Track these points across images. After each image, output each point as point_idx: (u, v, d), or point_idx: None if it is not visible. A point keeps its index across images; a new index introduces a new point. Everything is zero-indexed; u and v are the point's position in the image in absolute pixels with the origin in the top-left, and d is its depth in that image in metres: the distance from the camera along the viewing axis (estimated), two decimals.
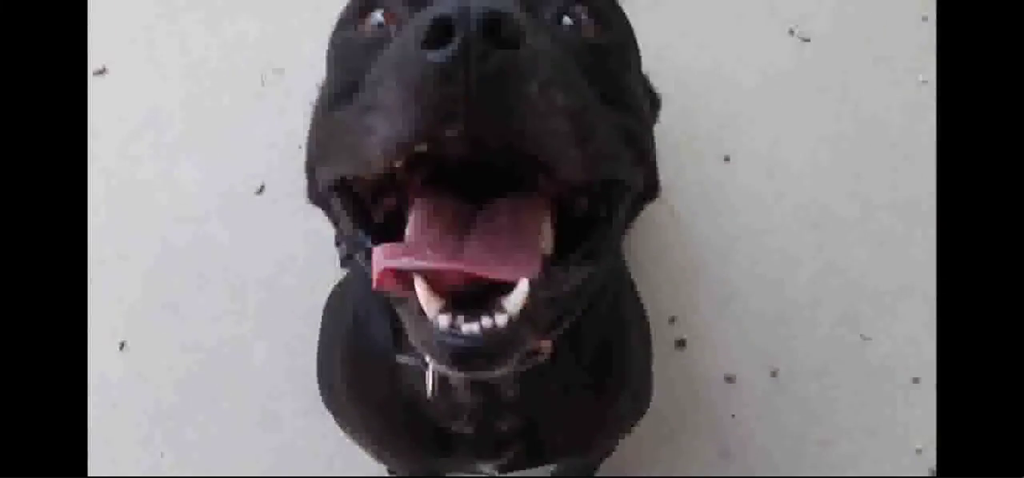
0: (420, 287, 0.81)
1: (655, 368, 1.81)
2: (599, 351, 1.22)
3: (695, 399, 2.01)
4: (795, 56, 2.40)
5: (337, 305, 1.43)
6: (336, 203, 0.94)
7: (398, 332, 1.11)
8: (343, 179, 0.89)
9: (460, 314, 0.80)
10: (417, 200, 0.88)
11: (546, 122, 0.76)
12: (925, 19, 2.45)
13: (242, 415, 2.03)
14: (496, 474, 1.32)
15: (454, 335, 0.79)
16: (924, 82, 2.35)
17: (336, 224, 1.00)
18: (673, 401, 2.00)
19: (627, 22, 1.06)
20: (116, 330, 2.11)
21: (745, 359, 2.05)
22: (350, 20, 0.97)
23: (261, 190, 2.25)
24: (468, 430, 1.20)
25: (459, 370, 0.81)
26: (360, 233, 0.92)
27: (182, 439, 2.02)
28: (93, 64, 2.41)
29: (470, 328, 0.79)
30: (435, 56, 0.72)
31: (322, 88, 1.01)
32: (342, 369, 1.33)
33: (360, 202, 0.92)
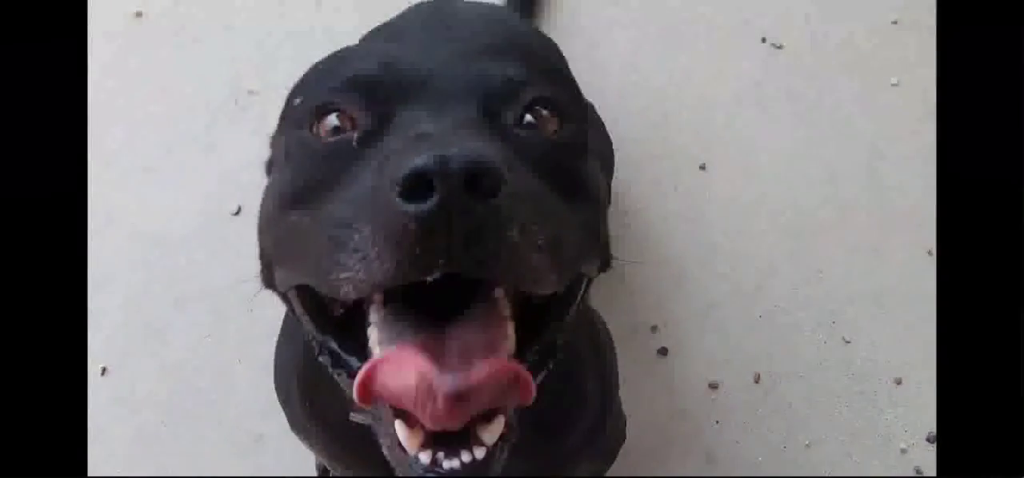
0: (399, 426, 0.81)
1: (638, 377, 1.82)
2: (550, 395, 1.20)
3: (679, 408, 2.01)
4: (768, 63, 2.41)
5: (291, 327, 1.41)
6: (295, 301, 0.96)
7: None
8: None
9: (440, 450, 0.80)
10: (376, 304, 0.88)
11: (525, 259, 0.78)
12: (895, 23, 2.47)
13: (226, 438, 2.02)
14: None
15: (436, 470, 0.80)
16: (895, 84, 2.36)
17: (292, 312, 1.00)
18: (657, 410, 2.00)
19: (582, 102, 1.07)
20: (97, 356, 2.09)
21: (728, 366, 2.05)
22: (304, 119, 0.96)
23: (238, 211, 2.24)
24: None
25: None
26: (329, 339, 0.93)
27: (166, 463, 2.00)
28: None
29: (451, 465, 0.80)
30: (414, 209, 0.72)
31: (273, 179, 1.01)
32: (299, 391, 1.33)
33: (319, 299, 0.93)
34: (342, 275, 0.79)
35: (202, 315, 2.14)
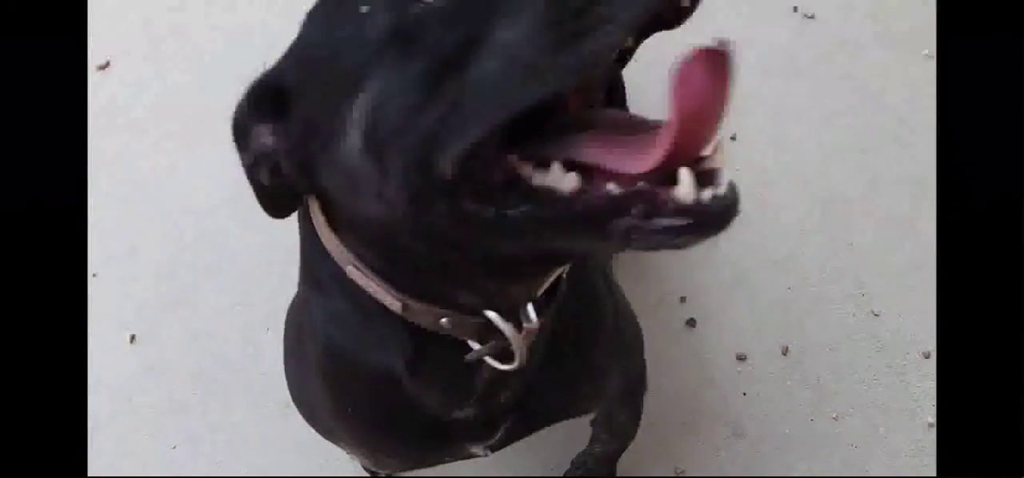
0: (685, 173, 0.82)
1: (666, 348, 1.81)
2: (575, 319, 1.25)
3: (707, 378, 2.01)
4: (799, 33, 2.40)
5: (302, 323, 1.34)
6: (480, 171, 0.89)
7: (416, 362, 1.12)
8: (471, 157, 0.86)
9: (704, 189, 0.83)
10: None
11: None
12: None
13: (255, 406, 2.03)
14: (485, 454, 1.33)
15: (725, 198, 0.83)
16: (928, 56, 2.34)
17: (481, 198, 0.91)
18: (685, 381, 2.00)
19: None
20: (126, 324, 2.11)
21: (756, 337, 2.05)
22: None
23: None
24: (469, 412, 1.21)
25: (720, 230, 0.83)
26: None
27: (194, 432, 2.02)
28: (96, 59, 2.41)
29: (724, 188, 0.84)
30: None
31: (361, 109, 0.91)
32: (328, 397, 1.29)
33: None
34: (603, 33, 0.78)
35: (230, 283, 2.16)
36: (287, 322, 1.47)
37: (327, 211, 1.04)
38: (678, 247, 0.85)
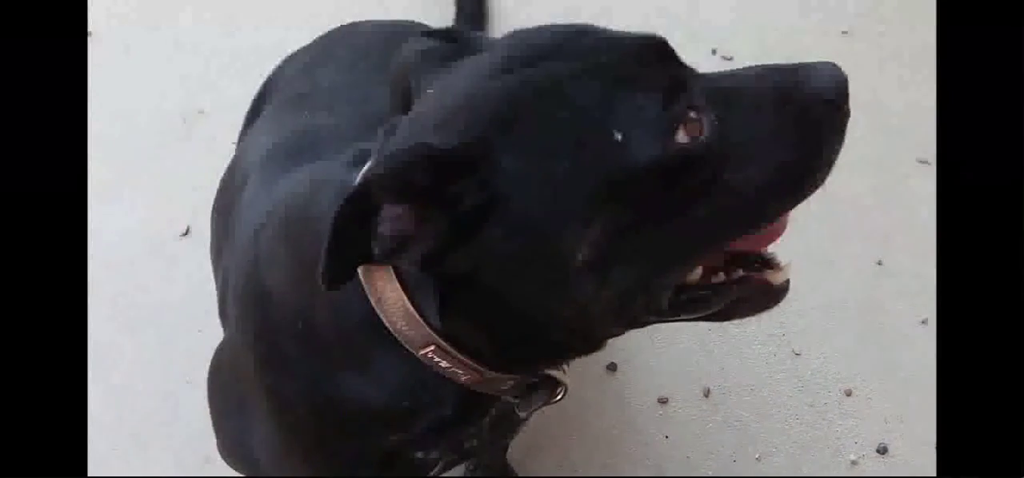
0: (768, 273, 1.15)
1: (587, 393, 1.81)
2: None
3: (628, 423, 2.00)
4: None
5: (242, 379, 1.34)
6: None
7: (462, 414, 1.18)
8: None
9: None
10: None
11: None
12: (846, 33, 2.48)
13: (175, 459, 2.00)
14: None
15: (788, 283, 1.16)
16: None
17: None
18: (606, 426, 1.99)
19: None
20: None
21: (677, 380, 2.05)
22: (655, 135, 0.98)
23: (187, 232, 2.23)
24: (449, 458, 1.30)
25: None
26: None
27: None
28: None
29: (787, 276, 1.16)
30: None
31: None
32: (301, 442, 1.28)
33: None
34: (810, 190, 1.07)
35: (149, 338, 2.13)
36: (219, 382, 1.46)
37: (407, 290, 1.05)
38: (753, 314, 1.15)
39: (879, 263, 2.19)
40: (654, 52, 1.02)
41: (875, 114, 2.39)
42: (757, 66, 1.07)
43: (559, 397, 1.22)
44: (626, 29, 1.05)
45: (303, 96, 1.62)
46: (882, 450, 1.96)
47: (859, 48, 2.50)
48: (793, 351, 2.09)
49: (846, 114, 1.05)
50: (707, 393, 2.03)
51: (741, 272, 1.11)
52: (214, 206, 1.63)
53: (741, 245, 1.09)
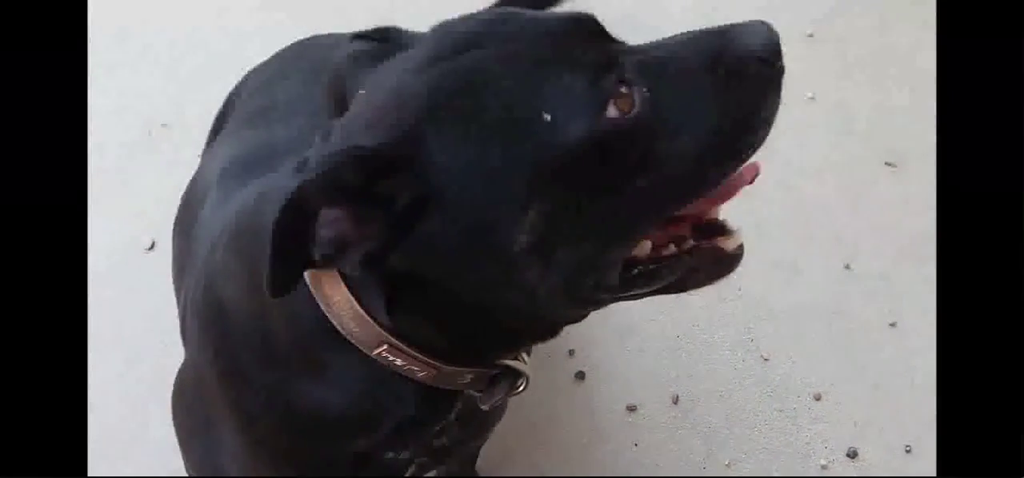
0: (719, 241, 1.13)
1: (555, 402, 1.80)
2: None
3: (597, 431, 1.99)
4: None
5: (206, 400, 1.34)
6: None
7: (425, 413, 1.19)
8: None
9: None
10: None
11: None
12: (811, 36, 2.48)
13: None
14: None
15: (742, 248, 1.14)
16: (812, 98, 2.37)
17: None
18: (575, 435, 1.98)
19: None
20: None
21: (646, 387, 2.04)
22: (589, 108, 0.97)
23: (152, 247, 2.21)
24: (422, 459, 1.29)
25: None
26: None
27: None
28: None
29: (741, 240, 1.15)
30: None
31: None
32: (269, 454, 1.27)
33: None
34: (748, 151, 1.03)
35: (114, 353, 2.11)
36: (184, 404, 1.45)
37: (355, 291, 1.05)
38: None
39: (847, 267, 2.19)
40: (584, 29, 1.03)
41: (841, 117, 2.39)
42: (686, 32, 1.05)
43: (521, 388, 1.21)
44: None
45: (262, 111, 1.62)
46: (852, 454, 1.96)
47: (824, 51, 2.50)
48: (761, 356, 2.09)
49: (780, 70, 1.04)
50: (676, 400, 2.03)
51: (691, 242, 1.10)
52: (176, 223, 1.63)
53: (690, 212, 1.09)
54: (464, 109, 0.96)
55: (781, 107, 2.26)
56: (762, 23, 1.03)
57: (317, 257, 0.95)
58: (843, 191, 2.27)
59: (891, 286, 2.15)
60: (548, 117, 0.94)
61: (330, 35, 1.83)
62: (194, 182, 1.60)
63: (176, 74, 2.45)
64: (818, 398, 2.03)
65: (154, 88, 2.44)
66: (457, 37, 1.02)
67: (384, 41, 1.15)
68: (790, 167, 2.29)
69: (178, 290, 1.54)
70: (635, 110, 0.96)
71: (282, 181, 1.11)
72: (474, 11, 1.08)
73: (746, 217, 2.15)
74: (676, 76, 1.00)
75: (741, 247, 1.13)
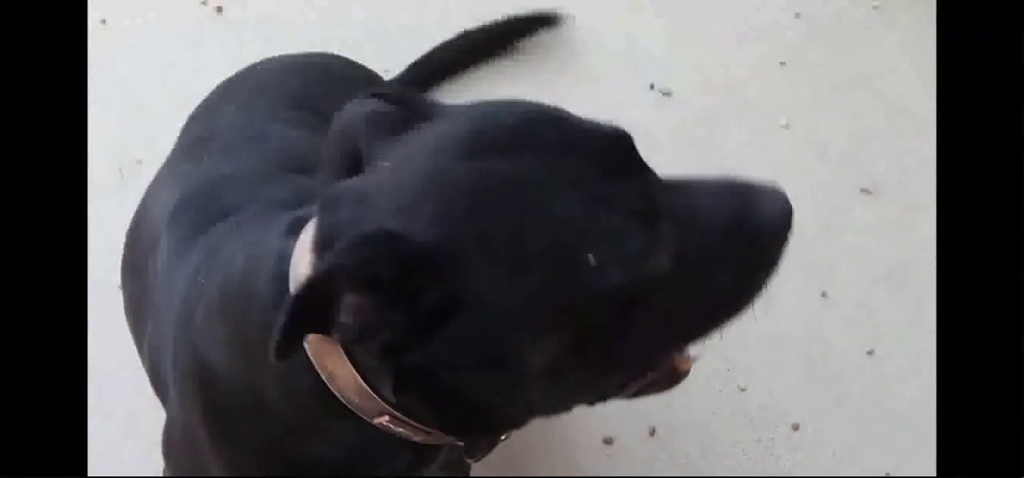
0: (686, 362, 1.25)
1: (531, 434, 1.78)
2: None
3: (573, 463, 1.99)
4: (657, 109, 2.42)
5: (196, 451, 1.34)
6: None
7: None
8: None
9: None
10: None
11: None
12: (783, 64, 2.48)
13: None
14: None
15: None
16: (785, 126, 2.37)
17: None
18: (550, 467, 1.97)
19: None
20: None
21: (622, 419, 2.03)
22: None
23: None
24: None
25: None
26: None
27: None
28: None
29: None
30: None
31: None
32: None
33: None
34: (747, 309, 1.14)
35: (88, 394, 2.09)
36: (174, 460, 1.49)
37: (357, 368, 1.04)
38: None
39: (823, 295, 2.19)
40: (624, 147, 1.06)
41: (815, 145, 2.39)
42: (712, 179, 1.11)
43: (503, 439, 1.24)
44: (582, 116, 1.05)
45: (201, 140, 1.62)
46: None
47: (797, 78, 2.50)
48: (739, 387, 2.08)
49: (786, 243, 1.10)
50: (653, 432, 2.02)
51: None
52: (123, 264, 1.62)
53: None
54: (511, 228, 0.95)
55: (755, 134, 2.30)
56: (779, 193, 1.09)
57: (336, 339, 0.97)
58: (818, 218, 2.26)
59: (868, 314, 2.15)
60: (594, 261, 0.96)
61: (274, 58, 1.84)
62: (137, 223, 1.60)
63: (148, 109, 2.43)
64: (796, 427, 2.03)
65: (126, 124, 2.42)
66: (500, 128, 1.01)
67: (401, 105, 1.12)
68: None
69: (137, 336, 1.53)
70: (667, 266, 1.00)
71: (273, 242, 1.10)
72: (511, 99, 1.07)
73: None
74: (702, 234, 1.05)
75: (690, 368, 1.24)
